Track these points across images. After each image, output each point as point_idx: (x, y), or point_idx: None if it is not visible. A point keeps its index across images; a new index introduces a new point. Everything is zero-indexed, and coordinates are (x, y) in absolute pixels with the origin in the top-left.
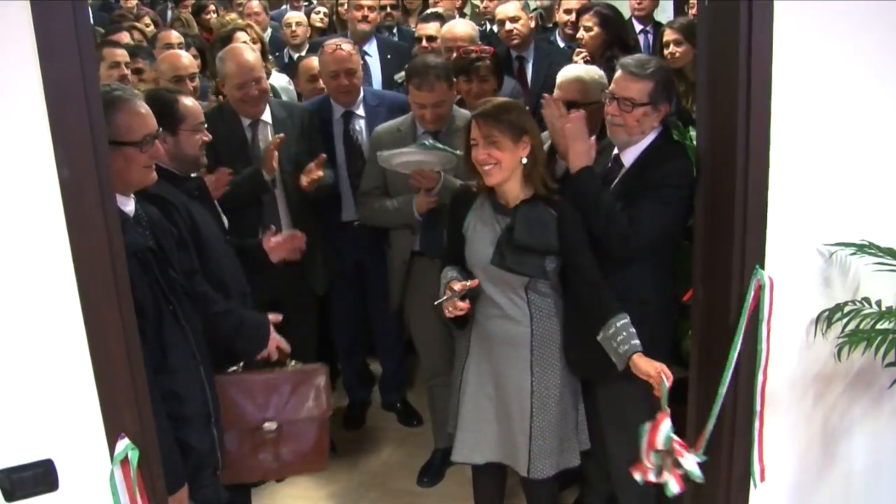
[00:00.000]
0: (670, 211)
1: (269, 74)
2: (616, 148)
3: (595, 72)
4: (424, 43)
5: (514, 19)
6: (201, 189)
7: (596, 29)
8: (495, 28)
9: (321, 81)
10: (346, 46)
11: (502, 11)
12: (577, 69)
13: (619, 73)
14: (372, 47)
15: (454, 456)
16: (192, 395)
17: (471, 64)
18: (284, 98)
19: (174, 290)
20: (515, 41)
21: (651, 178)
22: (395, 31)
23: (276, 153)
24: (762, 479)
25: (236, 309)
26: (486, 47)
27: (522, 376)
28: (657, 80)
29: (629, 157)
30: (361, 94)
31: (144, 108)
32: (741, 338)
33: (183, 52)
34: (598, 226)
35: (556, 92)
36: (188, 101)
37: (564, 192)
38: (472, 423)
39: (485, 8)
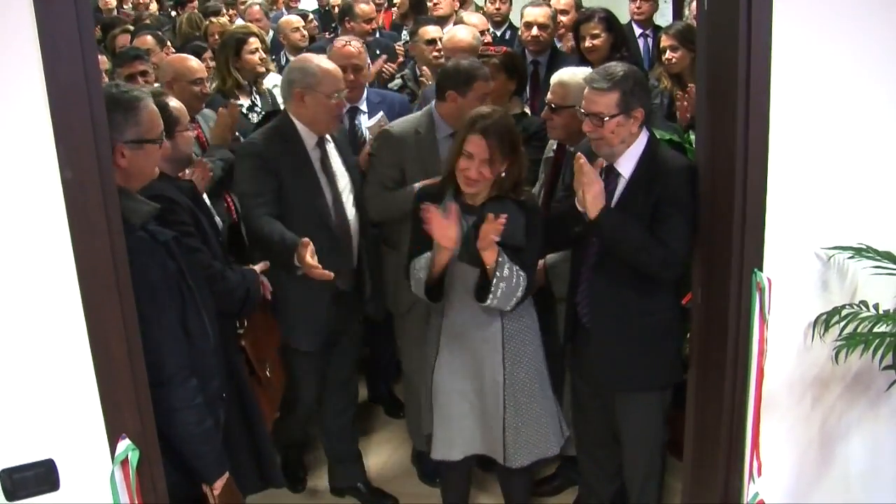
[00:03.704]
0: (692, 217)
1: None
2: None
3: (582, 76)
4: (438, 45)
5: (543, 26)
6: (193, 190)
7: (604, 35)
8: (505, 31)
9: None
10: (356, 44)
11: (532, 15)
12: (565, 73)
13: (586, 88)
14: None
15: (433, 454)
16: (209, 377)
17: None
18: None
19: (195, 278)
20: (536, 47)
21: (667, 192)
22: (375, 33)
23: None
24: (759, 474)
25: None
26: (500, 47)
27: (496, 370)
28: (622, 89)
29: (625, 166)
30: (365, 92)
31: (154, 106)
32: (758, 338)
33: (191, 56)
34: (637, 260)
35: (548, 94)
36: (175, 104)
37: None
38: (447, 420)
39: (496, 10)
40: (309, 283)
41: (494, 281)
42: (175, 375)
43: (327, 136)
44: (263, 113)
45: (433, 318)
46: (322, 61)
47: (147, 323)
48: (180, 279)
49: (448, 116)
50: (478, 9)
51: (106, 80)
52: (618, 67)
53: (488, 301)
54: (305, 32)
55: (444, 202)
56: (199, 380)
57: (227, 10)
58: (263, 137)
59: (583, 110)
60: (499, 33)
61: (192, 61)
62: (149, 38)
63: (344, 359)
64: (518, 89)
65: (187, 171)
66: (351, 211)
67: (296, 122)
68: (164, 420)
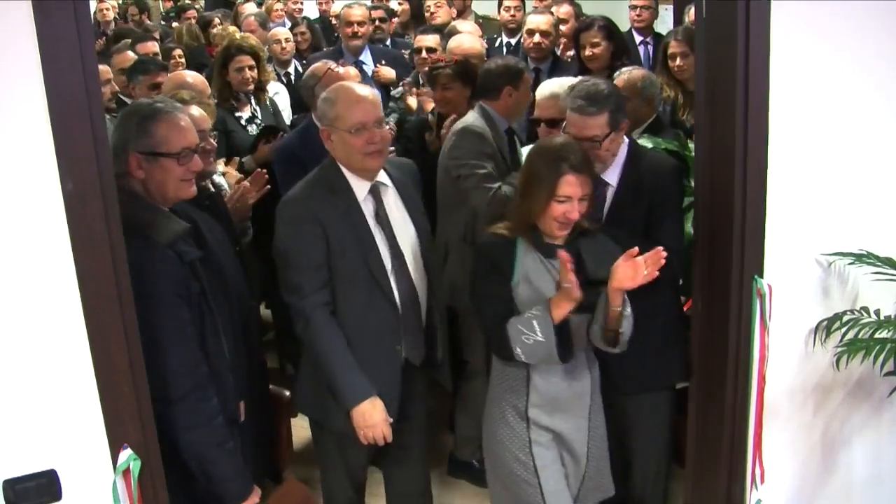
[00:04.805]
0: (683, 214)
1: (266, 83)
2: None
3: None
4: (424, 54)
5: (545, 34)
6: (211, 198)
7: (604, 43)
8: (519, 39)
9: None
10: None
11: (534, 23)
12: (553, 85)
13: (571, 113)
14: (366, 56)
15: None
16: (226, 399)
17: (430, 72)
18: (281, 106)
19: (216, 299)
20: (538, 55)
21: (658, 196)
22: (387, 42)
23: None
24: (762, 481)
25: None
26: (452, 56)
27: (581, 429)
28: (610, 109)
29: (611, 175)
30: None
31: (185, 121)
32: (758, 344)
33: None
34: None
35: (535, 110)
36: (193, 112)
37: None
38: (557, 492)
39: (511, 17)
40: (375, 350)
41: (624, 322)
42: (191, 392)
43: (383, 181)
44: (262, 126)
45: (507, 379)
46: (344, 89)
47: (165, 340)
48: (202, 300)
49: (505, 111)
50: (477, 18)
51: (114, 88)
52: (601, 86)
53: (620, 346)
54: (287, 46)
55: (518, 247)
56: (219, 402)
57: (235, 22)
58: (305, 190)
59: (571, 133)
60: (513, 41)
61: (189, 77)
62: (130, 53)
63: (410, 452)
64: (473, 94)
65: (245, 183)
66: (417, 270)
67: (342, 167)
68: (177, 439)
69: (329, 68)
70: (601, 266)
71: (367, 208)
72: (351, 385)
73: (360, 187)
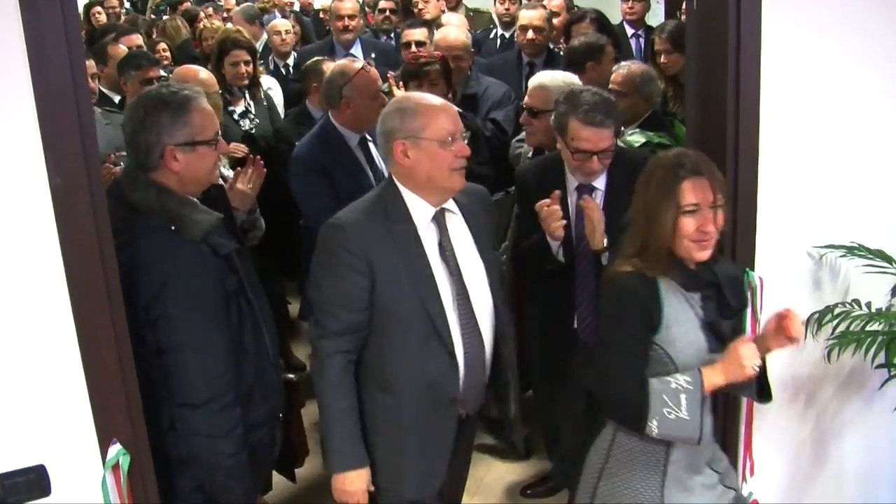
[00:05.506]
0: None
1: (259, 77)
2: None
3: (563, 79)
4: (413, 49)
5: (538, 29)
6: (207, 193)
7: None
8: (513, 32)
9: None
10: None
11: (527, 18)
12: (544, 76)
13: (584, 126)
14: (356, 49)
15: None
16: (269, 393)
17: (420, 68)
18: (277, 101)
19: (255, 291)
20: (532, 50)
21: None
22: (391, 35)
23: None
24: (752, 474)
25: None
26: (435, 53)
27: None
28: (618, 120)
29: (599, 179)
30: None
31: (208, 105)
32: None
33: (198, 67)
34: None
35: (525, 98)
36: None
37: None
38: None
39: (506, 10)
40: (427, 405)
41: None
42: (214, 400)
43: (449, 207)
44: (253, 127)
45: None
46: (420, 97)
47: (192, 341)
48: (240, 293)
49: (590, 83)
50: (468, 11)
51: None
52: (605, 95)
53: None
54: (286, 38)
55: (660, 287)
56: (261, 398)
57: (223, 13)
58: (356, 214)
59: (585, 147)
60: (507, 35)
61: (197, 73)
62: (121, 48)
63: None
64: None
65: (246, 174)
66: (485, 313)
67: (403, 190)
68: (189, 445)
69: (361, 68)
70: (738, 295)
71: (429, 238)
72: (344, 451)
73: (422, 213)
